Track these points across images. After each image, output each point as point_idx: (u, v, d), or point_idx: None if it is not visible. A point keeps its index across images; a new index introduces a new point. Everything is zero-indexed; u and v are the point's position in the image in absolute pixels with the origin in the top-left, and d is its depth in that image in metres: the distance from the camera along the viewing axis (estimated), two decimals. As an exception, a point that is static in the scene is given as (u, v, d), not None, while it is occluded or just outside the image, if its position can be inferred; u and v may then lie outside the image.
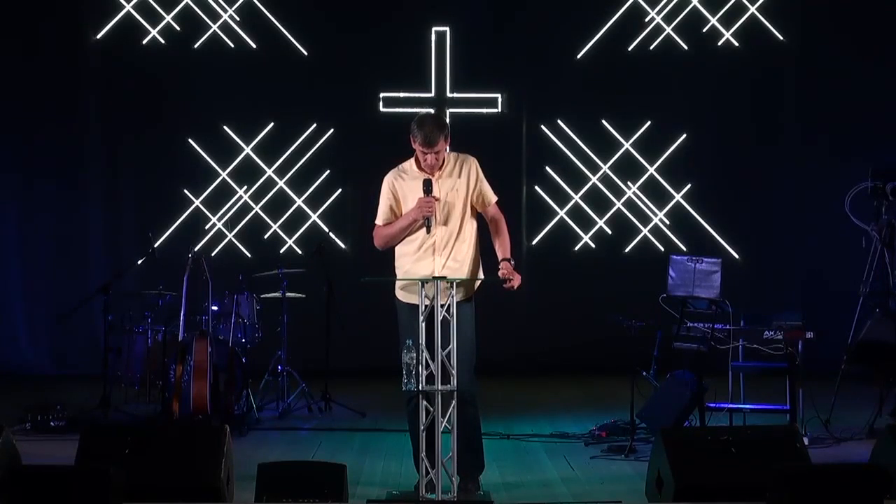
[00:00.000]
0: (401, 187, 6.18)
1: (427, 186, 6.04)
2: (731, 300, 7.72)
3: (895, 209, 8.46)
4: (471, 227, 6.21)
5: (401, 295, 6.19)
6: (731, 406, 7.88)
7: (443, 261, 6.09)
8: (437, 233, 6.08)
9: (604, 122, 11.91)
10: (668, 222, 11.89)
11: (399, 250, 6.23)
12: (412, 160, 6.21)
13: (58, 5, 11.74)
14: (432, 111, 6.38)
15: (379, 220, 6.27)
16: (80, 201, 11.82)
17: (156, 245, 9.29)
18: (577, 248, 11.94)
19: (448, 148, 6.17)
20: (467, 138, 11.15)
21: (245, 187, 11.82)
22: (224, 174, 11.80)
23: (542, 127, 11.90)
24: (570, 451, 7.52)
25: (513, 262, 6.12)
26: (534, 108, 11.92)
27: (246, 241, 11.82)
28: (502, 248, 6.20)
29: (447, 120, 11.37)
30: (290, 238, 11.82)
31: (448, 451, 5.79)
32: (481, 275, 6.25)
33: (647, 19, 11.86)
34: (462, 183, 6.16)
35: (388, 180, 6.23)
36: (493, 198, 6.27)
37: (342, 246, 11.78)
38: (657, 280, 8.22)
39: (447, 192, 6.13)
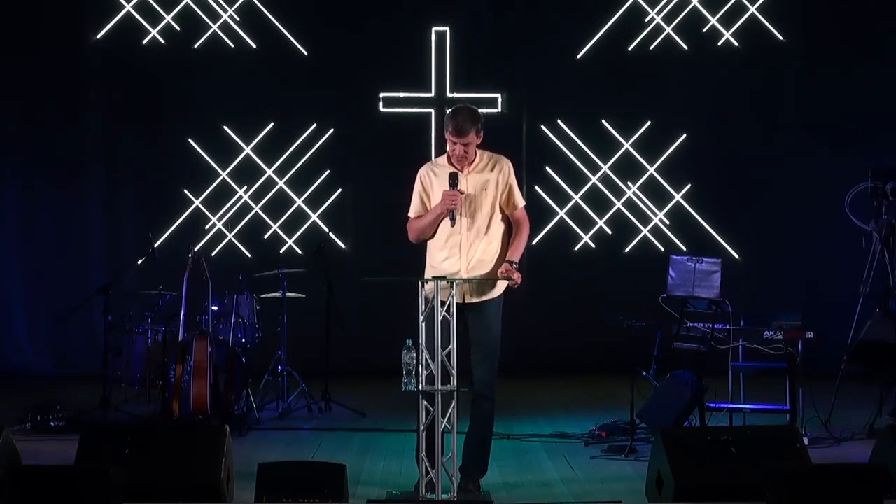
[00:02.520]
0: (431, 181, 6.21)
1: (453, 179, 6.05)
2: (731, 300, 7.72)
3: (895, 209, 8.46)
4: (499, 227, 6.22)
5: (428, 291, 6.19)
6: (731, 406, 7.87)
7: (470, 259, 6.11)
8: (463, 230, 6.09)
9: (604, 122, 11.92)
10: (668, 222, 11.90)
11: (430, 246, 6.26)
12: (446, 155, 6.24)
13: (58, 5, 11.74)
14: (465, 105, 6.33)
15: (411, 213, 6.31)
16: (80, 201, 11.83)
17: (156, 245, 9.29)
18: (577, 248, 11.95)
19: (479, 142, 6.18)
20: (467, 138, 11.24)
21: (245, 187, 11.82)
22: (224, 174, 11.80)
23: (542, 127, 11.90)
24: (570, 451, 7.52)
25: (515, 265, 6.12)
26: (534, 108, 11.92)
27: (246, 241, 11.82)
28: (513, 251, 6.21)
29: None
30: (290, 238, 11.82)
31: (448, 451, 5.79)
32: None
33: (647, 19, 11.87)
34: (492, 181, 6.18)
35: (421, 173, 6.28)
36: (521, 202, 6.30)
37: (342, 246, 11.78)
38: (657, 280, 8.22)
39: (475, 187, 6.14)
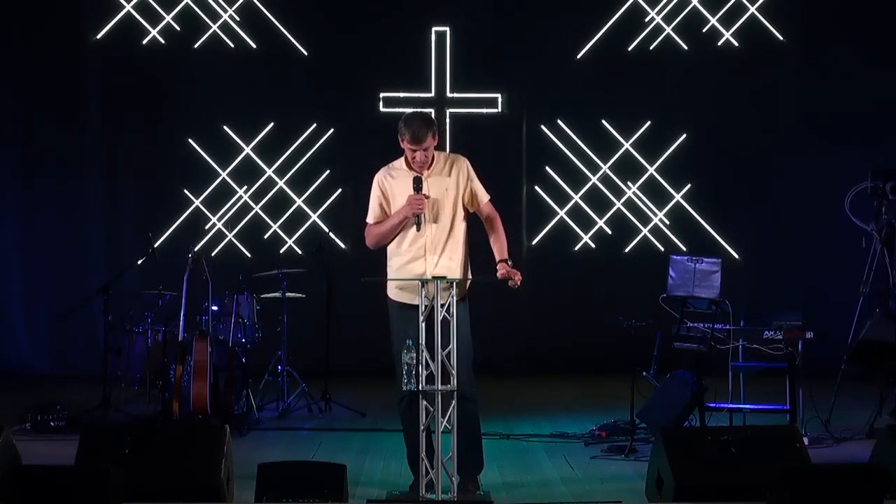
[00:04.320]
0: (390, 185, 6.19)
1: (417, 184, 6.05)
2: (731, 300, 7.72)
3: (895, 209, 8.46)
4: (462, 227, 6.20)
5: (394, 294, 6.19)
6: (731, 406, 7.87)
7: (435, 260, 6.10)
8: (427, 232, 6.09)
9: (604, 122, 11.92)
10: (668, 222, 11.90)
11: (391, 250, 6.24)
12: (402, 159, 6.23)
13: (58, 5, 11.75)
14: (422, 110, 6.34)
15: (370, 219, 6.27)
16: (80, 201, 11.83)
17: (156, 245, 9.28)
18: (577, 248, 11.95)
19: (436, 145, 6.18)
20: (467, 138, 11.26)
21: (245, 187, 11.82)
22: (224, 174, 11.80)
23: (542, 127, 11.90)
24: (570, 451, 7.51)
25: (510, 263, 6.12)
26: (534, 108, 11.92)
27: (246, 241, 11.82)
28: (499, 248, 6.19)
29: (447, 119, 11.58)
30: (290, 238, 11.82)
31: (448, 451, 5.79)
32: (470, 275, 6.24)
33: (647, 19, 11.87)
34: (452, 182, 6.17)
35: (378, 178, 6.25)
36: (485, 196, 6.27)
37: (342, 246, 11.78)
38: (657, 280, 8.22)
39: (437, 190, 6.13)
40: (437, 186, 6.14)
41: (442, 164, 6.20)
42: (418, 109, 6.34)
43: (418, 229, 6.05)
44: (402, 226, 6.12)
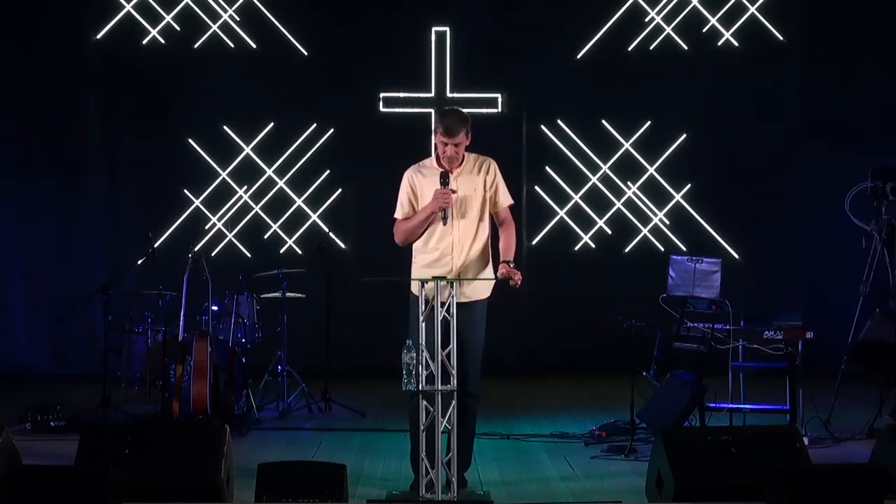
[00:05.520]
0: (419, 182, 6.25)
1: (444, 178, 6.09)
2: (731, 300, 7.72)
3: (895, 209, 8.46)
4: (486, 229, 6.27)
5: (418, 291, 6.19)
6: (731, 406, 7.88)
7: (460, 260, 6.13)
8: (455, 230, 6.12)
9: (604, 122, 11.91)
10: (668, 222, 11.89)
11: (417, 247, 6.28)
12: (433, 157, 6.29)
13: (58, 5, 11.74)
14: (453, 107, 6.39)
15: (398, 215, 6.32)
16: (80, 201, 11.83)
17: (156, 245, 9.28)
18: (577, 248, 11.94)
19: (468, 145, 6.23)
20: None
21: (245, 187, 11.82)
22: (224, 174, 11.80)
23: (542, 127, 11.90)
24: (570, 451, 7.52)
25: (512, 264, 6.14)
26: (534, 108, 11.92)
27: (246, 241, 11.82)
28: (506, 251, 6.26)
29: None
30: (290, 238, 11.82)
31: (448, 451, 5.79)
32: (490, 274, 6.28)
33: (647, 19, 11.86)
34: (480, 182, 6.23)
35: (408, 174, 6.31)
36: (507, 200, 6.35)
37: (342, 246, 11.78)
38: (657, 280, 8.22)
39: (466, 188, 6.18)
40: (466, 185, 6.19)
41: (472, 165, 6.27)
42: (454, 107, 6.39)
43: (444, 223, 6.09)
44: (430, 221, 6.15)
